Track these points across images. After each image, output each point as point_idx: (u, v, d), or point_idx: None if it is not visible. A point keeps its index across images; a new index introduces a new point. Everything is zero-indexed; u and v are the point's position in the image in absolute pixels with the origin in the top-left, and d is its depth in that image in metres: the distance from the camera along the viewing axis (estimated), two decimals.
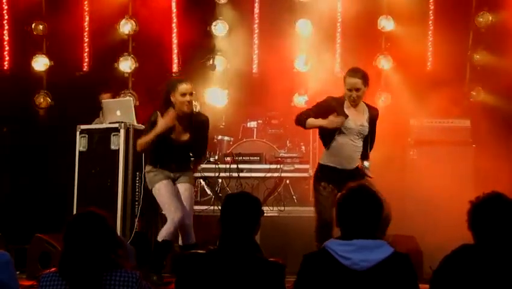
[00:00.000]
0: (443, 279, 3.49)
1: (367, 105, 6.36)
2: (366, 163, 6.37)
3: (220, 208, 3.84)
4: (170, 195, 6.33)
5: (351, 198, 3.56)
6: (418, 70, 9.56)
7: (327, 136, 6.25)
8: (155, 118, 6.29)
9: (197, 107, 6.74)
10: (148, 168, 6.46)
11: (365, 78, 6.21)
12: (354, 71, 6.25)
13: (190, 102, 6.34)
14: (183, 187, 6.50)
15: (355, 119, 6.22)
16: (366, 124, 6.25)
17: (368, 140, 6.34)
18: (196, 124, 6.47)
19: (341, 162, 6.21)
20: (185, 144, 6.45)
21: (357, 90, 6.16)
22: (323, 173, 6.30)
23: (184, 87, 6.32)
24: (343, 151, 6.22)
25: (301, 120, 6.25)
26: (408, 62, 9.53)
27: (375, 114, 6.38)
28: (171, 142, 6.38)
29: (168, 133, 6.33)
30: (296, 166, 8.37)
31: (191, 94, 6.35)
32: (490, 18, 9.62)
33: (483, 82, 9.62)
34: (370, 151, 6.45)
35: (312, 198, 8.81)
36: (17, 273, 5.21)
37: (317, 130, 8.17)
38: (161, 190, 6.34)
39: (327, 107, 6.20)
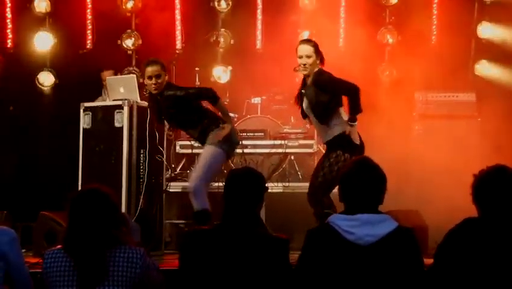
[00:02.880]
0: (447, 253, 3.50)
1: (316, 73, 6.22)
2: (352, 122, 6.11)
3: (224, 184, 3.84)
4: None
5: (354, 172, 3.55)
6: (422, 43, 9.51)
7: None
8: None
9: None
10: None
11: (316, 47, 6.23)
12: (306, 40, 6.49)
13: (156, 84, 6.47)
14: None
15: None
16: (311, 90, 6.16)
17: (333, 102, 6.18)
18: (165, 100, 6.55)
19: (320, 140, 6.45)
20: (168, 121, 6.70)
21: (308, 56, 6.18)
22: None
23: (148, 70, 6.49)
24: (317, 127, 6.41)
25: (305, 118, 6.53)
26: (413, 35, 9.48)
27: (323, 77, 6.17)
28: (167, 122, 6.79)
29: (158, 116, 6.68)
30: (301, 142, 8.36)
31: (157, 76, 6.46)
32: None
33: (488, 55, 9.57)
34: (352, 104, 6.08)
35: None
36: (23, 250, 5.25)
37: None
38: None
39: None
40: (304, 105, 6.27)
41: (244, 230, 3.66)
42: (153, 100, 6.70)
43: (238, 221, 3.68)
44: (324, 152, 6.43)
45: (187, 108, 6.52)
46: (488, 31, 9.60)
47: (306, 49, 6.21)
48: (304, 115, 6.43)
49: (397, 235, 3.47)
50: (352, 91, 6.08)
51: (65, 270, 3.52)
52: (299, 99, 6.36)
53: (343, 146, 6.07)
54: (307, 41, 6.40)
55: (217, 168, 6.63)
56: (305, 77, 6.30)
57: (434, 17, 9.65)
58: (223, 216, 3.75)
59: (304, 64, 6.19)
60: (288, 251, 3.66)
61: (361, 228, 3.45)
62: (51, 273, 3.55)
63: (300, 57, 6.22)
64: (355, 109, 6.07)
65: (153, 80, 6.46)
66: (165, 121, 6.89)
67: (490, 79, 9.44)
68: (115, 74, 8.67)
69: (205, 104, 6.79)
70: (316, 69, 6.21)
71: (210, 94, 6.55)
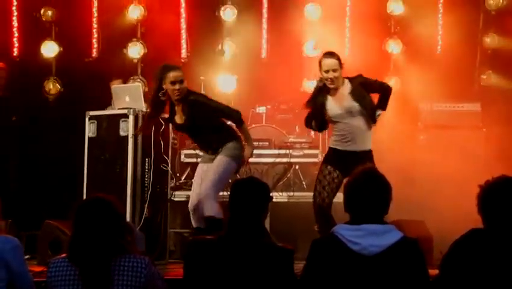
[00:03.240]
0: (453, 263, 3.49)
1: (348, 79, 6.29)
2: (378, 112, 6.34)
3: (228, 193, 3.84)
4: (194, 182, 6.60)
5: (359, 182, 3.55)
6: (427, 53, 9.51)
7: (329, 125, 6.41)
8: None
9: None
10: None
11: (340, 60, 6.25)
12: (329, 53, 6.33)
13: (179, 90, 6.24)
14: (211, 164, 6.44)
15: (339, 104, 6.22)
16: (352, 102, 6.20)
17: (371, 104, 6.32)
18: (190, 106, 6.34)
19: (346, 146, 6.25)
20: (186, 127, 6.45)
21: (334, 70, 6.18)
22: (329, 155, 6.39)
23: (172, 74, 6.25)
24: (347, 134, 6.24)
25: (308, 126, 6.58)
26: (418, 45, 9.48)
27: (359, 80, 6.29)
28: (177, 128, 6.60)
29: (170, 120, 6.52)
30: (305, 151, 8.36)
31: (181, 82, 6.25)
32: (501, 0, 9.55)
33: (493, 65, 9.56)
34: (384, 99, 6.36)
35: None
36: (28, 257, 5.26)
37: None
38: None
39: (314, 109, 6.33)
40: (338, 110, 6.21)
41: (249, 240, 3.65)
42: (163, 102, 6.43)
43: (243, 231, 3.67)
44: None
45: (212, 117, 6.42)
46: (493, 41, 9.59)
47: (332, 64, 6.19)
48: (324, 124, 6.37)
49: (402, 245, 3.47)
50: (390, 87, 6.49)
51: (70, 278, 3.52)
52: (317, 106, 6.29)
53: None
54: (331, 54, 6.29)
55: (228, 180, 6.49)
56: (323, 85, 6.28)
57: (439, 27, 9.65)
58: (228, 225, 3.75)
59: (331, 79, 6.18)
60: (293, 262, 3.66)
61: (365, 238, 3.44)
62: (56, 282, 3.55)
63: (327, 71, 6.19)
64: (386, 104, 6.36)
65: (177, 86, 6.22)
66: (173, 125, 6.71)
67: (495, 89, 9.42)
68: (124, 83, 8.69)
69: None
70: (344, 79, 6.27)
71: (238, 116, 6.48)
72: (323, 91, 6.29)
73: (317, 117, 6.35)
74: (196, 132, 6.49)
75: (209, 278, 3.60)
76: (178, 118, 6.41)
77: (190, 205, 6.42)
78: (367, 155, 6.23)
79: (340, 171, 6.17)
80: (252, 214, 3.71)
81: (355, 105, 6.20)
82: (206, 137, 6.47)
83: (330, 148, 6.42)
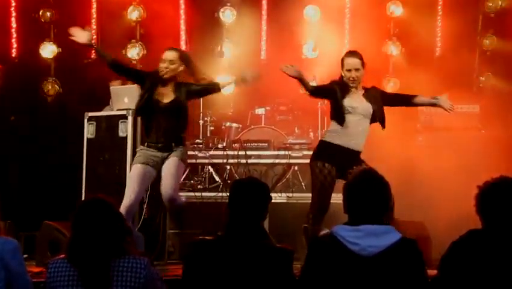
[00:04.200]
0: (451, 264, 3.49)
1: (364, 88, 6.35)
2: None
3: (228, 194, 3.84)
4: (133, 178, 6.21)
5: (358, 183, 3.55)
6: (426, 55, 9.52)
7: (339, 115, 6.26)
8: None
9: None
10: (139, 147, 6.51)
11: (363, 60, 6.28)
12: (353, 52, 6.35)
13: (166, 69, 6.22)
14: (166, 165, 6.25)
15: (358, 101, 6.25)
16: (367, 104, 6.25)
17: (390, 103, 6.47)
18: (180, 85, 6.33)
19: (348, 142, 6.22)
20: (169, 108, 6.25)
21: (357, 70, 6.20)
22: (323, 149, 6.28)
23: (165, 53, 6.30)
24: (352, 130, 6.22)
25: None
26: (417, 47, 9.49)
27: (375, 90, 6.41)
28: (155, 105, 6.25)
29: (150, 94, 6.25)
30: (305, 152, 8.36)
31: (170, 61, 6.23)
32: (500, 2, 9.57)
33: (492, 67, 9.57)
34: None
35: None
36: (26, 257, 5.25)
37: (325, 117, 8.22)
38: (131, 172, 6.27)
39: (330, 89, 6.31)
40: (356, 104, 6.22)
41: (249, 240, 3.65)
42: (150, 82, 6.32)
43: (242, 231, 3.68)
44: None
45: (186, 111, 6.39)
46: (492, 43, 9.60)
47: (355, 63, 6.22)
48: (341, 112, 6.26)
49: (401, 246, 3.47)
50: None
51: (69, 279, 3.52)
52: (335, 94, 6.25)
53: None
54: (354, 53, 6.32)
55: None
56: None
57: (438, 29, 9.66)
58: (227, 226, 3.75)
59: (353, 78, 6.20)
60: (292, 263, 3.66)
61: (364, 239, 3.45)
62: (55, 282, 3.55)
63: (349, 70, 6.20)
64: None
65: (165, 64, 6.25)
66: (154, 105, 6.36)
67: (493, 91, 9.43)
68: (123, 84, 8.68)
69: None
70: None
71: (218, 85, 6.59)
72: (340, 87, 6.28)
73: (330, 94, 6.33)
74: (175, 114, 6.29)
75: (209, 279, 3.60)
76: (165, 97, 6.27)
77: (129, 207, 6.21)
78: (360, 157, 6.26)
79: (337, 170, 6.14)
80: (252, 215, 3.71)
81: (369, 106, 6.24)
82: (176, 124, 6.32)
83: (324, 141, 6.34)
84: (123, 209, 6.08)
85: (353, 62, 6.22)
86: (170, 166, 6.20)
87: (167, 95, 6.26)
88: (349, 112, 6.21)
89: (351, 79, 6.20)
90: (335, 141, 6.24)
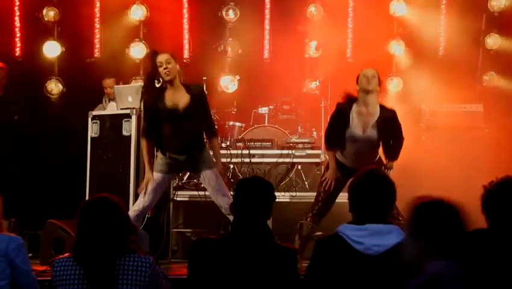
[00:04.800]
0: None
1: (381, 108, 6.26)
2: (390, 164, 6.36)
3: (231, 193, 3.85)
4: (153, 186, 6.22)
5: (363, 182, 3.55)
6: (430, 54, 9.52)
7: (339, 142, 6.27)
8: (143, 101, 6.27)
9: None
10: (159, 154, 6.36)
11: (379, 76, 6.24)
12: (370, 68, 6.30)
13: (168, 69, 6.09)
14: (206, 181, 6.23)
15: (363, 127, 6.19)
16: (374, 132, 6.18)
17: (390, 142, 6.32)
18: (192, 92, 6.20)
19: (351, 163, 6.26)
20: (185, 114, 6.13)
21: (373, 77, 6.16)
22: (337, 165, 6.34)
23: (158, 57, 6.14)
24: (353, 156, 6.25)
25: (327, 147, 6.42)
26: (420, 46, 9.48)
27: (389, 116, 6.25)
28: (172, 113, 6.13)
29: (162, 105, 6.12)
30: (308, 152, 8.36)
31: (167, 61, 6.12)
32: (503, 1, 9.56)
33: (496, 66, 9.56)
34: (396, 151, 6.38)
35: None
36: (30, 256, 5.26)
37: (328, 116, 8.22)
38: (154, 177, 6.24)
39: (342, 115, 6.21)
40: (359, 132, 6.17)
41: (253, 239, 3.66)
42: (154, 92, 6.20)
43: (247, 230, 3.68)
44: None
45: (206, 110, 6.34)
46: (496, 42, 9.60)
47: (372, 73, 6.19)
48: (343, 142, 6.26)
49: None
50: (403, 139, 6.45)
51: (74, 278, 3.53)
52: (344, 118, 6.20)
53: None
54: (371, 68, 6.29)
55: None
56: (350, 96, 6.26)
57: (442, 28, 9.65)
58: (232, 225, 3.76)
59: (369, 89, 6.14)
60: (296, 262, 3.66)
61: (369, 238, 3.45)
62: (61, 281, 3.55)
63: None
64: (398, 155, 6.40)
65: (164, 66, 6.09)
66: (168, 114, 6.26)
67: (497, 90, 9.42)
68: (121, 82, 8.68)
69: None
70: (378, 104, 6.24)
71: (216, 128, 6.54)
72: (347, 107, 6.21)
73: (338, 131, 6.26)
74: (189, 118, 6.17)
75: (213, 277, 3.60)
76: (180, 103, 6.15)
77: (142, 209, 6.28)
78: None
79: (346, 176, 6.18)
80: (257, 213, 3.71)
81: (374, 136, 6.18)
82: (193, 128, 6.22)
83: (337, 160, 6.36)
84: (135, 210, 6.16)
85: (370, 72, 6.18)
86: (210, 181, 6.17)
87: (180, 99, 6.17)
88: (349, 140, 6.20)
89: (366, 90, 6.14)
90: (344, 163, 6.28)
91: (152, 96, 6.19)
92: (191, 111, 6.14)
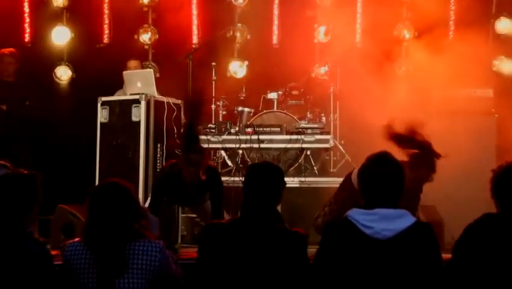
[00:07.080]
0: (466, 248, 3.50)
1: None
2: None
3: (240, 178, 3.86)
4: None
5: (374, 167, 3.55)
6: (439, 39, 9.46)
7: None
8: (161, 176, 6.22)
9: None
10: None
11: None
12: None
13: (196, 173, 5.90)
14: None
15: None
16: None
17: None
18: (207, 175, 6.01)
19: None
20: (193, 193, 6.11)
21: None
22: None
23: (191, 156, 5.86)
24: None
25: None
26: (430, 31, 9.43)
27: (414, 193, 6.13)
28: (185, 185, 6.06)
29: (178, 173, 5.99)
30: (317, 137, 8.34)
31: (195, 168, 5.89)
32: None
33: (506, 50, 9.51)
34: None
35: (333, 169, 8.83)
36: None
37: (338, 101, 8.23)
38: None
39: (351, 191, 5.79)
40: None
41: (263, 224, 3.67)
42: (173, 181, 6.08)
43: (257, 215, 3.69)
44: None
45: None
46: (506, 26, 9.54)
47: None
48: None
49: (415, 230, 3.48)
50: None
51: (85, 262, 3.55)
52: None
53: None
54: None
55: None
56: None
57: (451, 12, 9.59)
58: (242, 209, 3.77)
59: None
60: (306, 246, 3.68)
61: (379, 222, 3.46)
62: (71, 265, 3.58)
63: None
64: None
65: (195, 169, 5.85)
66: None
67: (507, 74, 9.37)
68: (142, 66, 8.67)
69: None
70: None
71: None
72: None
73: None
74: (197, 200, 6.29)
75: (223, 261, 3.62)
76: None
77: None
78: None
79: None
80: (267, 198, 3.72)
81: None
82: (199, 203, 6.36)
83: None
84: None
85: None
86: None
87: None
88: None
89: None
90: None
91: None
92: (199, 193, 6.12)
